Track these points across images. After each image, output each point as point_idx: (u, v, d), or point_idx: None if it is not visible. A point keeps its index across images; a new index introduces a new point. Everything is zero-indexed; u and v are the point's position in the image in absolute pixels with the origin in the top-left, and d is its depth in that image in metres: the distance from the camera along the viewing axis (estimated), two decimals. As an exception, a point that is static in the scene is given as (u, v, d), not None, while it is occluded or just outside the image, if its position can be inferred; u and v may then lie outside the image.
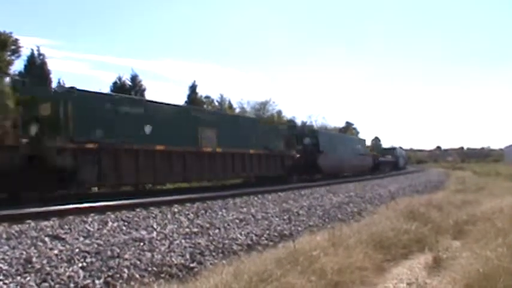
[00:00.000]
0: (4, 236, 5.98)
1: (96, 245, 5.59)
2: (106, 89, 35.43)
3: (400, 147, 67.32)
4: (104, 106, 14.37)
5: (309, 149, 28.01)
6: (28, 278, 4.27)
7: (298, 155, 26.17)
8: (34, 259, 4.76)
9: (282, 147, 24.70)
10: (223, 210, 9.40)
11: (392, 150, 55.79)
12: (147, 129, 15.56)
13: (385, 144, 67.58)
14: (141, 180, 15.52)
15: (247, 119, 28.69)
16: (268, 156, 23.10)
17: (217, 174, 19.36)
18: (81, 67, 71.00)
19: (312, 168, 27.62)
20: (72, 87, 14.43)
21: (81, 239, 6.03)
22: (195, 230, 7.03)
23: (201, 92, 49.05)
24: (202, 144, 18.21)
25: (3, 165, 11.19)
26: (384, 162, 45.82)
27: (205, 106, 44.62)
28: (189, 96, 46.45)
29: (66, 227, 6.80)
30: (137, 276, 4.69)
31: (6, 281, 4.18)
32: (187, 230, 6.98)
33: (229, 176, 20.84)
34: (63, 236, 6.10)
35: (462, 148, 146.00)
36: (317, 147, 28.48)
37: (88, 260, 4.95)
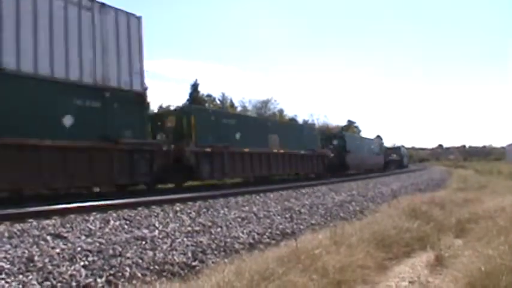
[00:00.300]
0: (6, 234, 5.98)
1: (98, 244, 5.59)
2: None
3: (402, 146, 67.64)
4: (211, 118, 19.62)
5: (338, 149, 32.62)
6: (30, 277, 4.27)
7: (332, 155, 30.92)
8: (36, 258, 4.76)
9: (320, 148, 29.87)
10: (225, 209, 9.40)
11: (397, 149, 58.45)
12: (238, 135, 20.57)
13: (387, 142, 67.45)
14: (236, 175, 20.94)
15: (297, 125, 36.07)
16: (313, 156, 28.24)
17: (279, 170, 24.00)
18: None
19: (342, 166, 32.35)
20: (190, 104, 21.34)
21: (83, 237, 6.02)
22: (197, 228, 7.04)
23: (203, 90, 49.31)
24: (270, 147, 23.12)
25: (163, 164, 15.70)
26: (391, 160, 50.44)
27: (206, 105, 44.75)
28: (191, 95, 46.62)
29: (68, 225, 6.80)
30: (139, 274, 4.70)
31: (9, 280, 4.18)
32: (189, 228, 6.98)
33: (288, 171, 25.47)
34: (65, 235, 6.10)
35: (464, 146, 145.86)
36: (344, 148, 33.24)
37: (90, 258, 4.95)
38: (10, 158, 10.71)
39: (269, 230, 7.38)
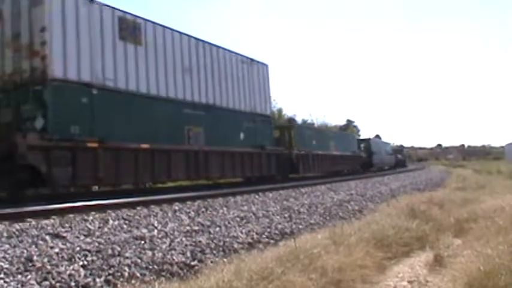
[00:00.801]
0: (5, 234, 5.97)
1: (97, 244, 5.59)
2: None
3: (402, 146, 68.46)
4: (300, 131, 27.97)
5: (366, 151, 41.13)
6: (29, 277, 4.27)
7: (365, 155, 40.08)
8: (35, 257, 4.75)
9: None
10: (224, 208, 9.40)
11: (401, 150, 65.65)
12: (314, 142, 28.37)
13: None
14: (315, 170, 28.26)
15: (344, 133, 43.88)
16: (355, 157, 37.32)
17: (337, 167, 32.42)
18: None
19: (369, 164, 40.55)
20: (290, 121, 31.90)
21: (82, 237, 6.02)
22: (196, 228, 7.03)
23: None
24: (331, 150, 31.73)
25: (283, 162, 23.35)
26: (398, 159, 57.19)
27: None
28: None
29: (66, 225, 6.79)
30: (138, 274, 4.69)
31: (7, 280, 4.17)
32: (188, 228, 6.98)
33: (341, 168, 33.40)
34: (64, 235, 6.09)
35: (463, 146, 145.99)
36: (370, 150, 42.21)
37: (89, 258, 4.94)
38: (217, 159, 17.96)
39: (268, 230, 7.37)
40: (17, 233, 6.12)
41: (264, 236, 6.99)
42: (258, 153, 20.93)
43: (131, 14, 14.90)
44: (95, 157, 12.45)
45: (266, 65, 23.17)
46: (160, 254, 5.32)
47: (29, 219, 7.16)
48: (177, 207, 9.24)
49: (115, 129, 13.32)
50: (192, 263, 5.28)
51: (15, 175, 10.75)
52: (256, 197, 11.81)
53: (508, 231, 6.02)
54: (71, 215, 7.72)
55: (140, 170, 13.97)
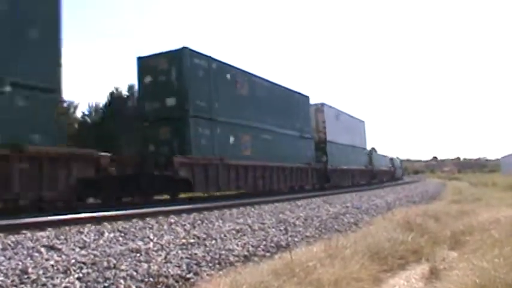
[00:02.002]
0: (0, 246, 5.96)
1: (92, 256, 5.57)
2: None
3: (397, 157, 68.69)
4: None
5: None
6: (24, 289, 4.25)
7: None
8: (30, 270, 4.74)
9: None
10: (220, 221, 9.39)
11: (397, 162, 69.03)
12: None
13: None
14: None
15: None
16: (367, 170, 43.06)
17: (356, 180, 37.80)
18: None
19: (373, 177, 46.07)
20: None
21: (78, 249, 6.00)
22: (192, 240, 7.02)
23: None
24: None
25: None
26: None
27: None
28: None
29: (62, 237, 6.78)
30: (134, 287, 4.68)
31: (2, 292, 4.16)
32: (183, 240, 6.97)
33: (359, 181, 38.95)
34: (59, 247, 6.07)
35: (459, 158, 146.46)
36: (394, 165, 61.06)
37: (84, 270, 4.93)
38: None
39: (264, 243, 7.36)
40: (12, 245, 6.11)
41: (259, 249, 6.98)
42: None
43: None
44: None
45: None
46: (155, 267, 5.30)
47: (24, 231, 7.15)
48: (172, 220, 9.23)
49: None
50: (188, 276, 5.27)
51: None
52: (252, 209, 11.81)
53: (504, 244, 6.02)
54: (67, 227, 7.71)
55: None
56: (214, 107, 18.48)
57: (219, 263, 5.95)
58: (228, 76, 19.85)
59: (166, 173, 15.69)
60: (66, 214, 9.07)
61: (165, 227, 8.35)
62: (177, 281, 5.07)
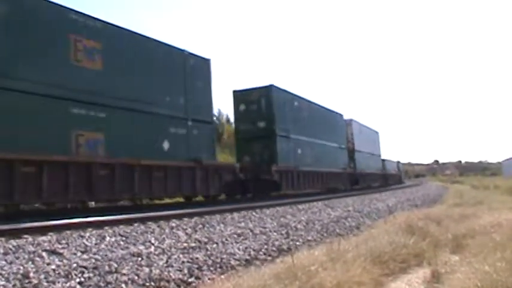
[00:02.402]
0: (1, 250, 5.95)
1: (93, 260, 5.57)
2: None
3: (398, 162, 68.73)
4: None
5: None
6: (25, 294, 4.25)
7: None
8: (31, 274, 4.74)
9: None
10: (221, 225, 9.38)
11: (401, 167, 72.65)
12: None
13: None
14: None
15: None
16: (382, 174, 49.44)
17: (377, 183, 44.87)
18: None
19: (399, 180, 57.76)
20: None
21: (79, 254, 6.00)
22: (193, 244, 7.02)
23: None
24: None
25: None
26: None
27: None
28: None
29: (63, 241, 6.77)
30: (135, 291, 4.68)
31: (4, 297, 4.17)
32: (185, 244, 6.97)
33: (380, 183, 46.01)
34: (61, 251, 6.07)
35: (460, 162, 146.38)
36: (399, 169, 66.23)
37: (86, 275, 4.93)
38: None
39: (265, 246, 7.36)
40: (13, 249, 6.10)
41: (261, 253, 6.98)
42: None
43: None
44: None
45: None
46: (157, 271, 5.30)
47: (25, 236, 7.15)
48: (174, 224, 9.23)
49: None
50: (189, 280, 5.27)
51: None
52: (254, 213, 11.80)
53: (506, 247, 6.01)
54: (68, 232, 7.71)
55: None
56: (289, 128, 24.59)
57: (221, 267, 5.95)
58: (296, 103, 26.34)
59: (267, 177, 21.88)
60: (67, 219, 9.07)
61: (167, 231, 8.35)
62: (178, 285, 5.07)
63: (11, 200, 10.89)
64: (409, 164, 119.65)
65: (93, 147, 12.93)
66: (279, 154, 23.11)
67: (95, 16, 13.76)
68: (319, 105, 30.36)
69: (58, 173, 11.71)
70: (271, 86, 23.62)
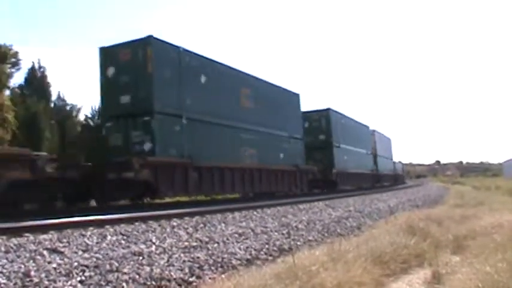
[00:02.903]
0: (2, 249, 5.96)
1: (94, 259, 5.58)
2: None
3: (400, 162, 68.95)
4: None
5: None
6: (26, 292, 4.26)
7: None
8: (33, 273, 4.75)
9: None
10: (223, 224, 9.39)
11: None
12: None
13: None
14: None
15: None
16: (393, 174, 55.96)
17: (390, 181, 52.54)
18: None
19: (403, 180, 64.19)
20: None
21: (80, 252, 6.01)
22: (194, 244, 7.02)
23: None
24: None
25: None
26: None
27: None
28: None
29: (64, 240, 6.78)
30: (136, 290, 4.68)
31: (5, 295, 4.17)
32: (186, 243, 6.97)
33: (391, 183, 51.69)
34: (62, 250, 6.08)
35: (461, 162, 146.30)
36: (403, 170, 71.37)
37: (87, 273, 4.93)
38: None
39: (266, 246, 7.36)
40: (14, 247, 6.11)
41: (262, 253, 6.98)
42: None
43: None
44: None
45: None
46: (158, 270, 5.31)
47: (26, 234, 7.15)
48: (175, 223, 9.23)
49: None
50: (190, 279, 5.27)
51: None
52: (255, 213, 11.80)
53: (507, 248, 6.01)
54: (69, 230, 7.71)
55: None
56: (339, 139, 32.44)
57: (222, 267, 5.95)
58: (343, 121, 34.28)
59: (330, 177, 30.14)
60: (68, 217, 9.08)
61: (168, 230, 8.36)
62: (179, 285, 5.07)
63: (213, 190, 18.27)
64: (411, 164, 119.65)
65: (250, 159, 20.70)
66: (336, 160, 31.02)
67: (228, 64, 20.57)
68: (352, 119, 38.14)
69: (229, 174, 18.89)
70: (329, 109, 32.04)
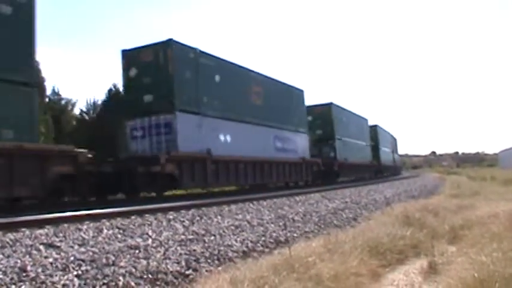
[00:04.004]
0: (-1, 244, 5.95)
1: (91, 253, 5.57)
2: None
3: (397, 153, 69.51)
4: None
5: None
6: (23, 287, 4.25)
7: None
8: (29, 267, 4.74)
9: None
10: (219, 217, 9.39)
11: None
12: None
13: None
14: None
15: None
16: (396, 166, 62.02)
17: (395, 172, 60.03)
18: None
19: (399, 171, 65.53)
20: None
21: (76, 247, 6.00)
22: (191, 236, 7.02)
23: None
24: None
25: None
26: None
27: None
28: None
29: (61, 235, 6.77)
30: (133, 284, 4.67)
31: (1, 290, 4.16)
32: (182, 237, 6.97)
33: (394, 173, 57.12)
34: (58, 244, 6.07)
35: (457, 153, 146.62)
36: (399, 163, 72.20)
37: (83, 268, 4.92)
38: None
39: (263, 238, 7.36)
40: (10, 242, 6.10)
41: (258, 245, 6.98)
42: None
43: None
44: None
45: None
46: (154, 263, 5.30)
47: (22, 229, 7.14)
48: (171, 216, 9.22)
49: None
50: (187, 272, 5.27)
51: None
52: (251, 205, 11.80)
53: (502, 238, 6.04)
54: (65, 225, 7.70)
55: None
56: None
57: (218, 259, 5.95)
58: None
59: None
60: (64, 212, 9.06)
61: (164, 223, 8.35)
62: (176, 278, 5.07)
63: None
64: (406, 155, 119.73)
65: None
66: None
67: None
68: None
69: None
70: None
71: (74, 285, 4.42)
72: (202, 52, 18.74)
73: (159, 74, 16.88)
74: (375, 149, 46.09)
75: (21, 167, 10.97)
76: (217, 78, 19.25)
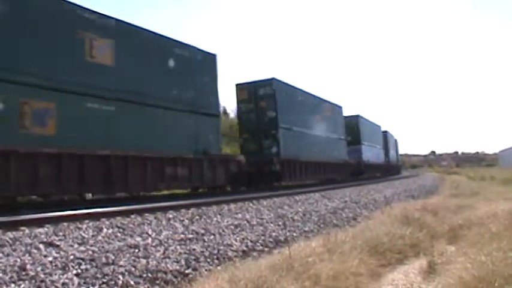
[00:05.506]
0: (-2, 243, 5.95)
1: (90, 252, 5.57)
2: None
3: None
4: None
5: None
6: (22, 286, 4.25)
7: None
8: (28, 266, 4.74)
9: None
10: (218, 216, 9.39)
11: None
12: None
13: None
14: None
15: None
16: (394, 165, 62.82)
17: (399, 170, 66.42)
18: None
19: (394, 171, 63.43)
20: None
21: (76, 245, 6.00)
22: (190, 236, 7.02)
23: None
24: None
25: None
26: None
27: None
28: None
29: (60, 233, 6.77)
30: (132, 283, 4.68)
31: (1, 289, 4.16)
32: (182, 236, 6.97)
33: (394, 172, 58.25)
34: (58, 243, 6.07)
35: (457, 153, 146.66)
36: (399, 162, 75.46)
37: (83, 266, 4.93)
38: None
39: (262, 238, 7.37)
40: (10, 241, 6.10)
41: (258, 244, 6.99)
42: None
43: None
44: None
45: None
46: (154, 262, 5.31)
47: (22, 228, 7.14)
48: (171, 215, 9.23)
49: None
50: (187, 271, 5.27)
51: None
52: (251, 204, 11.80)
53: (502, 237, 6.03)
54: (65, 223, 7.71)
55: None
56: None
57: (218, 258, 5.96)
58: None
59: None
60: (64, 210, 9.06)
61: (164, 222, 8.35)
62: (175, 277, 5.07)
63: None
64: (406, 155, 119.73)
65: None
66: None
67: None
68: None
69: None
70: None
71: (73, 284, 4.42)
72: (288, 85, 26.10)
73: (269, 102, 24.44)
74: (386, 150, 53.63)
75: (219, 167, 18.38)
76: (297, 102, 26.62)
